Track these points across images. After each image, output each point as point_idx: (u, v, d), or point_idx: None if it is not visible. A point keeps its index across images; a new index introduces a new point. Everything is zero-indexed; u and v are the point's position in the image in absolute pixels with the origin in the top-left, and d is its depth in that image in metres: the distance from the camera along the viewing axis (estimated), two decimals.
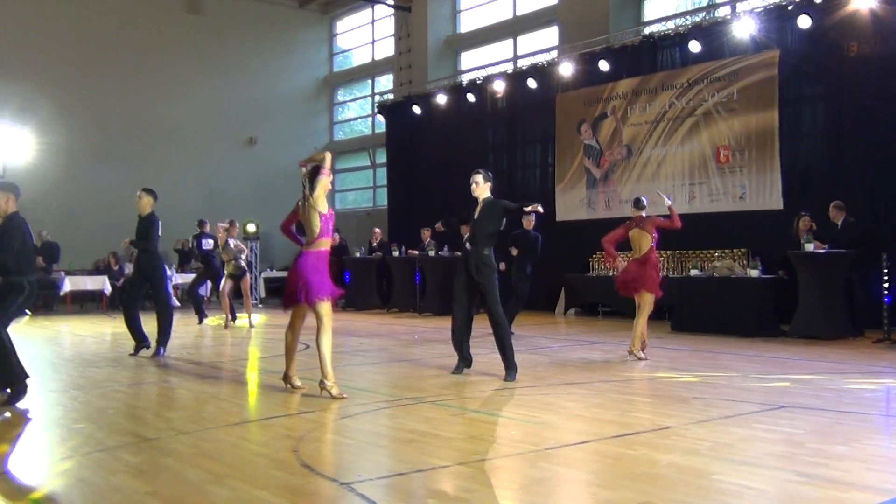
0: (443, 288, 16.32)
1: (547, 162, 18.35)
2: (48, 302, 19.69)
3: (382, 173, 24.55)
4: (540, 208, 7.67)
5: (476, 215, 8.06)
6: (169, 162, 23.62)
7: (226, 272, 14.03)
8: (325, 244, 7.03)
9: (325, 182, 7.09)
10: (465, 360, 8.26)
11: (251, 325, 14.10)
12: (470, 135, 19.77)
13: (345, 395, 6.93)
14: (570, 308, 16.56)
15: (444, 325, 14.06)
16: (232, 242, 14.02)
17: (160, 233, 10.29)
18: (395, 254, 17.63)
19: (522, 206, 7.85)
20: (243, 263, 14.01)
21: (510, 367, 7.90)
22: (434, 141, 20.84)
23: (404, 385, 7.60)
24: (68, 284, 18.53)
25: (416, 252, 17.08)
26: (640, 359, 9.23)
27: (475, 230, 8.01)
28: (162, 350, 10.11)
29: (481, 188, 8.10)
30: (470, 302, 8.11)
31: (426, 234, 17.25)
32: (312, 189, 6.99)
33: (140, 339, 10.18)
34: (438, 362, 9.33)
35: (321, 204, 6.98)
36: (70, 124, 22.10)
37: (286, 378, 7.30)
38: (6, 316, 6.85)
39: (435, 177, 20.65)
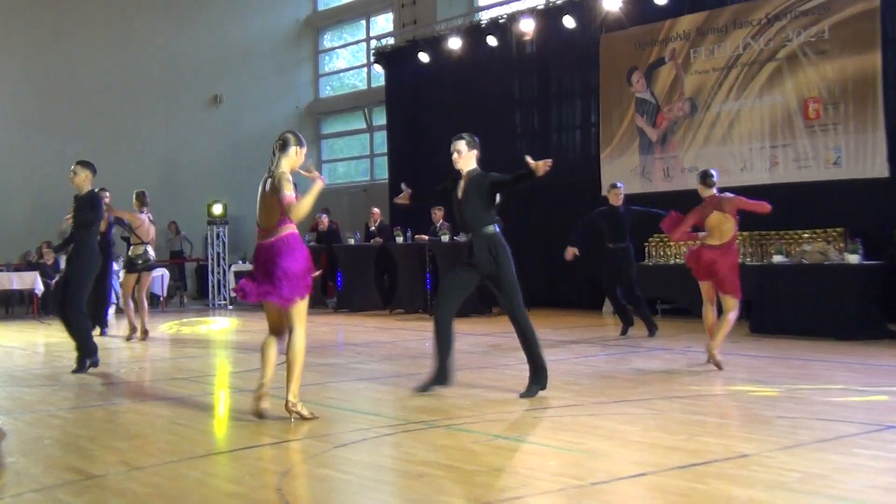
0: None
1: (589, 121, 18.31)
2: None
3: (382, 138, 24.57)
4: (547, 164, 7.45)
5: (460, 194, 8.04)
6: (114, 130, 23.73)
7: (136, 263, 13.59)
8: (290, 228, 7.08)
9: (294, 161, 7.21)
10: (442, 375, 8.11)
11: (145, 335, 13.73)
12: (491, 88, 19.76)
13: (316, 415, 7.05)
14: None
15: (464, 328, 14.15)
16: (147, 218, 13.85)
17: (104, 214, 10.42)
18: (400, 240, 17.68)
19: (518, 175, 7.71)
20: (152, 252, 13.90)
21: (535, 381, 7.93)
22: (446, 97, 20.83)
23: (413, 405, 7.63)
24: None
25: (426, 237, 17.10)
26: (717, 365, 9.28)
27: (463, 212, 7.98)
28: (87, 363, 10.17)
29: (465, 158, 8.07)
30: (459, 301, 8.13)
31: (438, 214, 17.28)
32: (277, 164, 7.14)
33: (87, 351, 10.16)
34: (456, 376, 9.35)
35: (285, 186, 6.98)
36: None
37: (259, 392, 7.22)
38: None
39: (447, 141, 20.50)
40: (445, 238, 16.52)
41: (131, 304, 13.73)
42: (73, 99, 23.32)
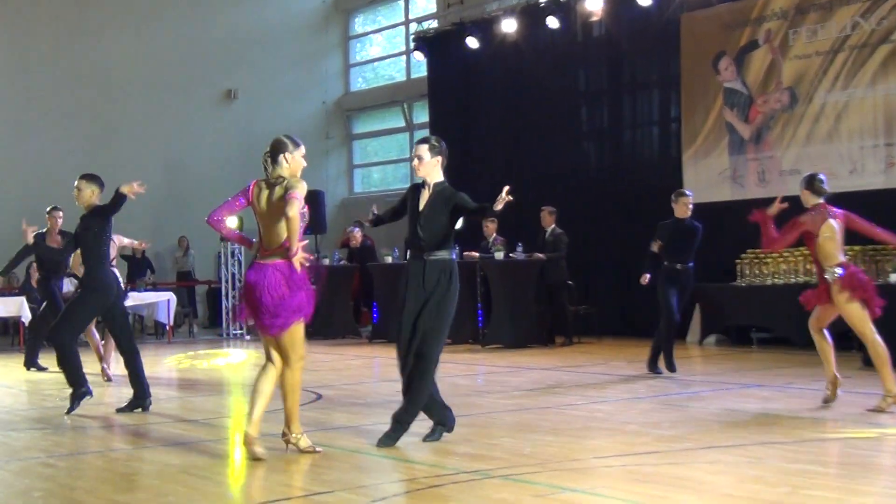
0: (515, 306, 16.35)
1: (668, 116, 18.25)
2: None
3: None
4: (505, 198, 7.51)
5: (422, 205, 8.05)
6: (114, 128, 23.98)
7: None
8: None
9: (294, 166, 7.45)
10: (443, 417, 8.08)
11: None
12: (552, 79, 19.75)
13: (318, 449, 7.44)
14: (708, 334, 16.43)
15: (522, 361, 14.11)
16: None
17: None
18: None
19: (481, 206, 7.90)
20: None
21: (392, 432, 7.88)
22: (498, 89, 20.85)
23: (463, 452, 7.61)
24: None
25: (476, 254, 17.10)
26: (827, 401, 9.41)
27: (422, 227, 7.99)
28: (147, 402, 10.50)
29: (426, 166, 8.10)
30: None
31: (490, 227, 17.27)
32: (274, 174, 7.41)
33: (78, 385, 10.28)
34: (513, 418, 9.33)
35: (291, 207, 7.13)
36: None
37: (247, 439, 7.35)
38: None
39: (500, 142, 20.66)
40: (500, 255, 16.51)
41: (97, 335, 13.59)
42: (66, 96, 23.53)
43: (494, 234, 17.18)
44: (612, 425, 8.70)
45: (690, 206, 12.36)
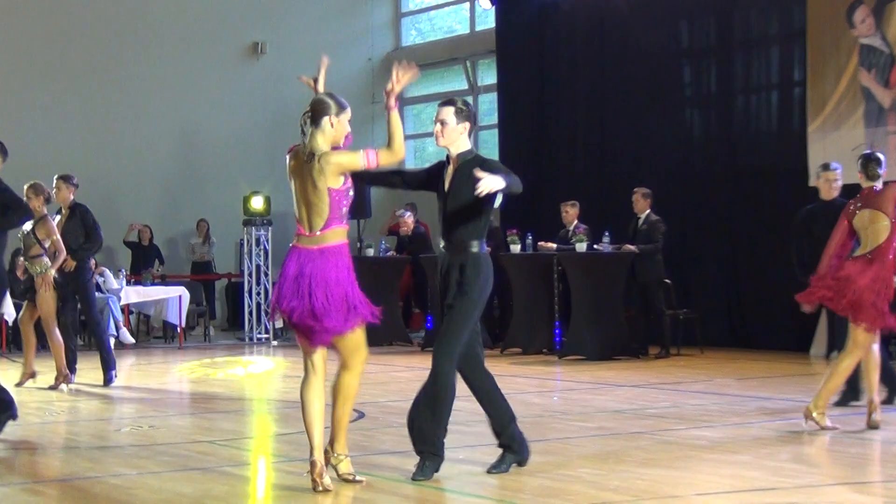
0: (600, 310, 16.28)
1: (790, 79, 18.12)
2: None
3: (490, 103, 24.60)
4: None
5: (447, 185, 8.02)
6: (122, 89, 24.10)
7: (42, 281, 13.74)
8: (341, 235, 7.45)
9: (336, 133, 7.49)
10: (519, 447, 8.08)
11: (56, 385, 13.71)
12: (648, 33, 19.63)
13: (360, 479, 7.45)
14: (836, 347, 16.24)
15: (606, 377, 14.11)
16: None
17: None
18: (516, 248, 17.64)
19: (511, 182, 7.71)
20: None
21: (507, 452, 7.97)
22: (582, 45, 20.77)
23: (536, 484, 7.60)
24: None
25: (554, 245, 17.05)
26: (822, 427, 9.52)
27: (448, 210, 8.00)
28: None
29: (450, 133, 8.02)
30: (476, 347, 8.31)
31: (571, 212, 17.20)
32: (312, 141, 7.42)
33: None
34: (596, 445, 9.39)
35: (330, 173, 7.31)
36: None
37: (316, 468, 7.34)
38: None
39: (583, 109, 20.58)
40: (581, 246, 16.43)
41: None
42: (62, 52, 23.71)
43: (576, 221, 17.10)
44: (718, 455, 8.68)
45: (838, 185, 11.69)
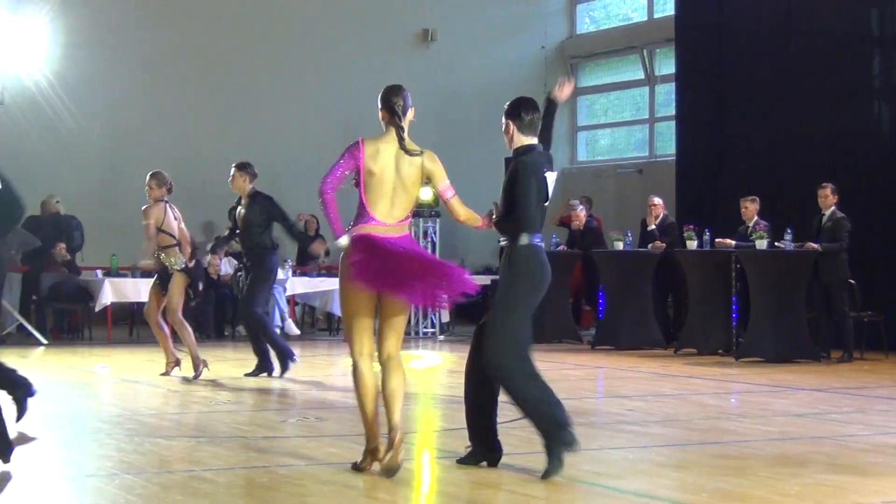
0: (780, 310, 16.09)
1: None
2: (74, 323, 20.94)
3: (668, 94, 24.44)
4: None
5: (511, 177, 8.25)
6: (287, 77, 24.49)
7: (175, 268, 13.98)
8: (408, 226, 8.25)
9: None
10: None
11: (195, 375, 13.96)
12: (835, 20, 19.29)
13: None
14: None
15: (786, 380, 13.98)
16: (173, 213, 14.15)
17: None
18: (693, 244, 17.52)
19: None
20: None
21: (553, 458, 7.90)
22: (764, 34, 20.50)
23: (714, 487, 7.60)
24: (110, 292, 19.59)
25: (731, 242, 16.89)
26: None
27: (506, 203, 8.24)
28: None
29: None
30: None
31: (750, 208, 17.03)
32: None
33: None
34: (776, 449, 9.32)
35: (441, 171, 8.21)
36: (113, 6, 23.12)
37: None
38: None
39: (765, 101, 20.31)
40: (762, 244, 16.24)
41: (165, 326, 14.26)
42: (227, 34, 24.16)
43: (756, 217, 16.91)
44: None
45: None
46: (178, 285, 13.82)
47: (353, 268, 7.74)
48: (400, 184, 7.95)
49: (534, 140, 8.34)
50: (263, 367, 13.99)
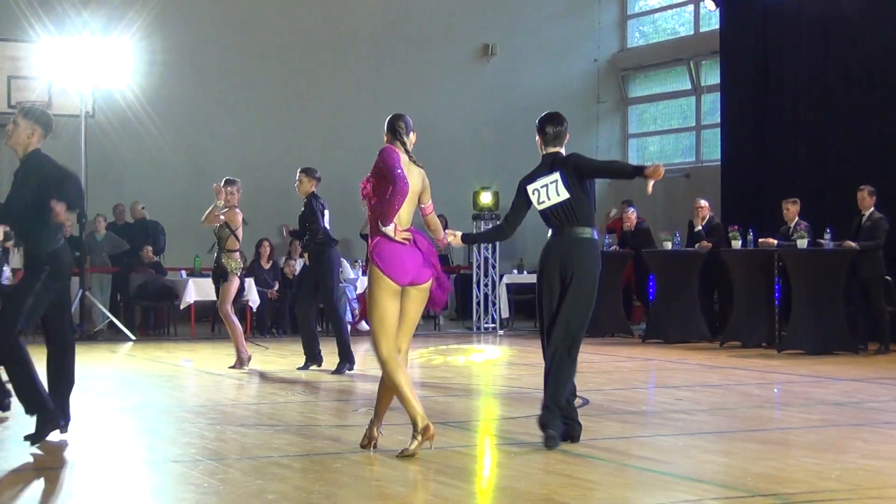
0: (820, 305, 16.08)
1: None
2: (161, 320, 21.22)
3: (713, 103, 24.37)
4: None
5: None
6: (357, 87, 24.64)
7: (232, 269, 14.26)
8: None
9: None
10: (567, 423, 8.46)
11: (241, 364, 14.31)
12: (875, 30, 19.19)
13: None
14: None
15: (826, 370, 13.96)
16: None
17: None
18: (737, 244, 17.50)
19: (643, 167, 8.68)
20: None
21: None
22: (806, 45, 20.44)
23: (758, 471, 7.61)
24: (193, 291, 19.80)
25: (774, 241, 16.86)
26: None
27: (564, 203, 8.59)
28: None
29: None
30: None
31: (792, 209, 16.99)
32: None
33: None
34: (817, 436, 9.28)
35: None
36: (194, 27, 23.43)
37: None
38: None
39: (807, 108, 20.27)
40: (802, 243, 16.22)
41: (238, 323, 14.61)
42: (291, 56, 24.36)
43: (797, 218, 16.87)
44: None
45: None
46: (232, 287, 14.18)
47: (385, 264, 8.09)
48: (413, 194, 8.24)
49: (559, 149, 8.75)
50: (317, 358, 14.28)
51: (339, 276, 15.38)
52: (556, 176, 8.54)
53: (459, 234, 8.93)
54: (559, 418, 8.30)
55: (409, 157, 8.29)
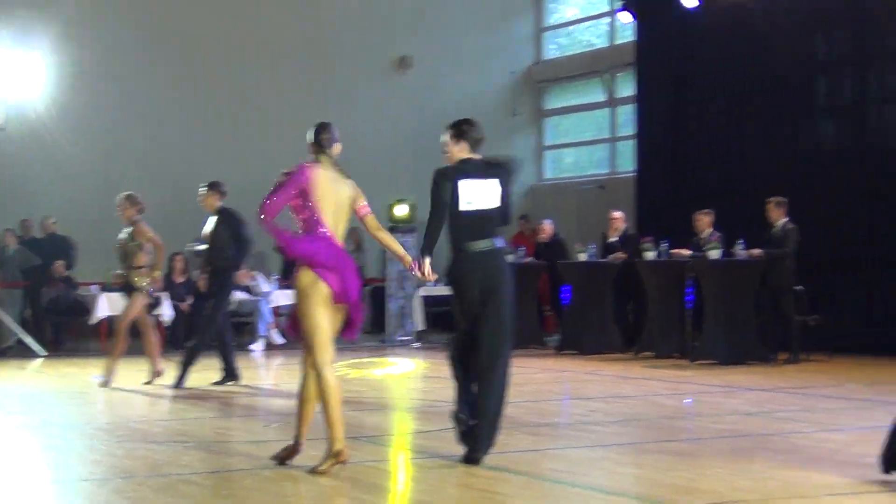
0: (732, 315, 16.22)
1: None
2: (72, 335, 20.97)
3: (628, 115, 24.51)
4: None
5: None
6: (262, 101, 24.51)
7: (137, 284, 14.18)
8: None
9: None
10: None
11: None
12: (784, 45, 19.39)
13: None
14: None
15: (737, 380, 14.08)
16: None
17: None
18: (650, 255, 17.60)
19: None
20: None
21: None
22: (719, 58, 20.59)
23: (669, 482, 7.64)
24: (105, 306, 19.53)
25: (688, 252, 17.00)
26: None
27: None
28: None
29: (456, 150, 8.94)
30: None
31: (704, 220, 17.13)
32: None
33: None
34: (727, 445, 9.33)
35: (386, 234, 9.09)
36: (106, 39, 23.16)
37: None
38: None
39: (720, 120, 20.46)
40: (715, 254, 16.36)
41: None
42: (205, 69, 24.16)
43: (710, 229, 16.99)
44: (846, 458, 8.61)
45: None
46: (136, 302, 14.09)
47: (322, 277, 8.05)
48: (338, 209, 8.39)
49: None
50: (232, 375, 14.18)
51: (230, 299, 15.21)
52: (496, 182, 8.53)
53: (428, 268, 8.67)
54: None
55: (336, 169, 8.38)
